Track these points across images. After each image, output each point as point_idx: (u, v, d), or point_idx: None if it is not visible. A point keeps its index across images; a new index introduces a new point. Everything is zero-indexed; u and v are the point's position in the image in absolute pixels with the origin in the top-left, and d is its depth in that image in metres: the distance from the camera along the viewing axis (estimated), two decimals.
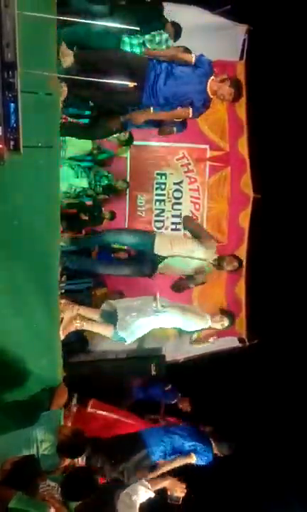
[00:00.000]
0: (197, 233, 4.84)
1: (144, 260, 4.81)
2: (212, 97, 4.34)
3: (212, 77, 4.28)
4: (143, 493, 3.54)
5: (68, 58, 4.10)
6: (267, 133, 6.48)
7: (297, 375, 6.58)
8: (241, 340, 6.71)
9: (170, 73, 4.20)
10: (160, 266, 4.72)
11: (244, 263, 6.66)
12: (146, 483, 3.64)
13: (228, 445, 4.69)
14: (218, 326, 4.73)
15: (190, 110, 4.32)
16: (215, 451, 4.66)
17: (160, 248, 4.69)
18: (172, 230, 6.76)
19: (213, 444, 4.62)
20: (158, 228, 6.67)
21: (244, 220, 6.66)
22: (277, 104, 6.26)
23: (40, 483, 2.86)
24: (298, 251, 6.54)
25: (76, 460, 3.71)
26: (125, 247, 5.96)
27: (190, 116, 4.40)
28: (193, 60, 4.21)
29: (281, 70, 6.27)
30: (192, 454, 4.48)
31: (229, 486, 5.33)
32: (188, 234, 5.01)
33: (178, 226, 6.78)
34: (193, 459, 4.49)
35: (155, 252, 4.68)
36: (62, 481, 3.08)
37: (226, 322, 4.74)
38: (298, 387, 6.45)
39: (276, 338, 6.52)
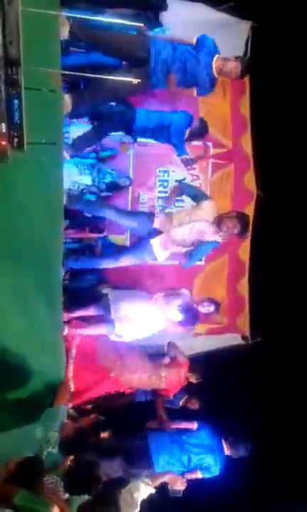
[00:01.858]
0: (194, 194, 4.84)
1: (144, 245, 4.79)
2: (217, 76, 4.39)
3: (217, 56, 4.32)
4: (144, 489, 3.55)
5: (65, 28, 4.10)
6: (271, 130, 6.46)
7: (301, 373, 6.58)
8: (244, 337, 6.71)
9: (176, 56, 4.28)
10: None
11: (247, 260, 6.72)
12: (147, 479, 3.65)
13: (244, 447, 4.67)
14: (204, 310, 4.93)
15: (194, 91, 4.50)
16: (229, 453, 4.64)
17: (161, 227, 4.72)
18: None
19: (226, 449, 4.62)
20: None
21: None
22: (281, 101, 6.24)
23: (44, 480, 2.86)
24: (302, 249, 6.52)
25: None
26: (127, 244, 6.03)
27: (195, 95, 4.57)
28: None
29: (285, 67, 6.25)
30: (198, 471, 4.51)
31: (229, 483, 5.33)
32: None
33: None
34: (199, 476, 4.53)
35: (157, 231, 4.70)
36: (64, 474, 3.09)
37: (211, 307, 4.91)
38: (302, 385, 6.44)
39: (279, 335, 6.52)
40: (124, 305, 4.81)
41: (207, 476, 4.59)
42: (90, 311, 5.07)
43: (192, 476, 4.51)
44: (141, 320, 4.80)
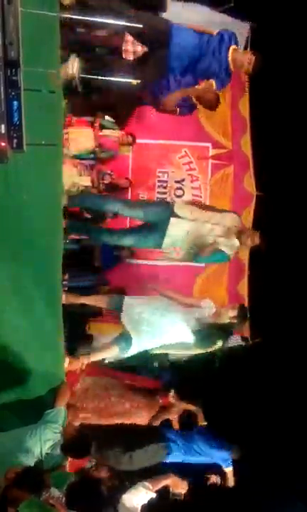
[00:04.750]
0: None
1: (153, 231, 4.51)
2: (232, 68, 4.33)
3: (234, 46, 4.30)
4: (144, 494, 3.52)
5: None
6: (270, 131, 6.46)
7: (301, 373, 6.58)
8: (244, 338, 6.70)
9: (201, 45, 4.18)
10: (167, 240, 4.42)
11: (247, 261, 6.72)
12: (147, 484, 3.62)
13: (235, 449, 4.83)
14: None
15: (214, 82, 4.32)
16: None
17: (179, 211, 4.41)
18: None
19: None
20: None
21: (247, 218, 6.64)
22: (281, 102, 6.24)
23: (46, 496, 2.85)
24: (302, 250, 6.52)
25: None
26: (130, 248, 6.03)
27: (214, 87, 4.34)
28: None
29: (284, 68, 6.25)
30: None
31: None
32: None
33: None
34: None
35: (175, 214, 4.37)
36: (67, 492, 3.07)
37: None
38: (302, 385, 6.44)
39: (279, 336, 6.51)
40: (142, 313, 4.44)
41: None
42: None
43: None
44: (165, 330, 4.44)
